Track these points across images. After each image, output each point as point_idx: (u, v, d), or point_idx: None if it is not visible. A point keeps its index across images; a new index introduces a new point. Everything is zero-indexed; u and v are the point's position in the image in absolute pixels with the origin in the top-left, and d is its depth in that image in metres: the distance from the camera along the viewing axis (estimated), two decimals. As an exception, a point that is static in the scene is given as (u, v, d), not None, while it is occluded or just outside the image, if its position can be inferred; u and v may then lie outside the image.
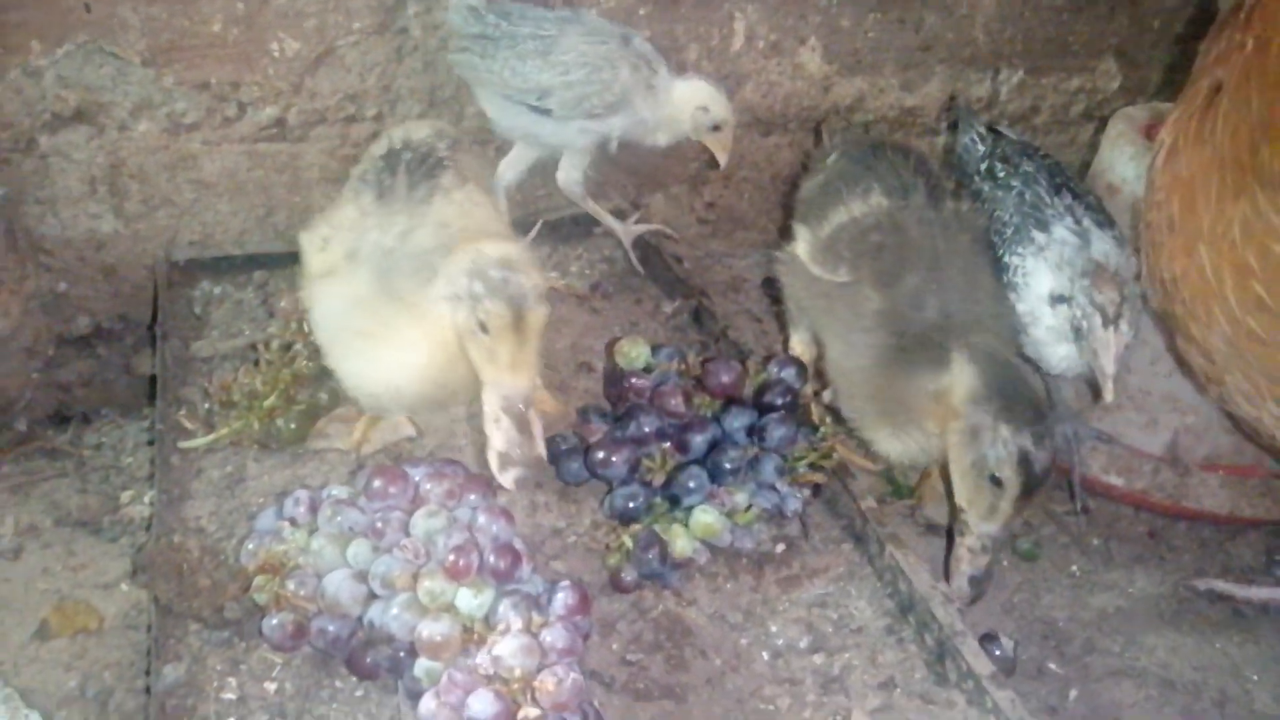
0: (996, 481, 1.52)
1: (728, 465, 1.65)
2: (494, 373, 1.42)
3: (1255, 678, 1.75)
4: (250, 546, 1.49)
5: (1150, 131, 2.00)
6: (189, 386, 1.93)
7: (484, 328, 1.39)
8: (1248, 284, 1.43)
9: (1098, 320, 1.67)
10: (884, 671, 1.52)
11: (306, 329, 1.91)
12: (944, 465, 1.64)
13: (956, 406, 1.57)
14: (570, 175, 2.21)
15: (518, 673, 1.29)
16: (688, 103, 2.10)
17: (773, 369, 1.76)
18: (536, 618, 1.35)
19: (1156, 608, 1.87)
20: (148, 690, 1.44)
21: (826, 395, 1.79)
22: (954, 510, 1.62)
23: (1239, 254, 1.42)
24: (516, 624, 1.33)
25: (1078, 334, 1.70)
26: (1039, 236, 1.76)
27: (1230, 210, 1.42)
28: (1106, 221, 1.79)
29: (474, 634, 1.35)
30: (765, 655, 1.54)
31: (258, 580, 1.45)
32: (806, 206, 1.90)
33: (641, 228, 2.33)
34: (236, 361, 1.97)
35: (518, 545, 1.42)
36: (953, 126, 2.38)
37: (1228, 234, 1.43)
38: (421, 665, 1.35)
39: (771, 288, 2.41)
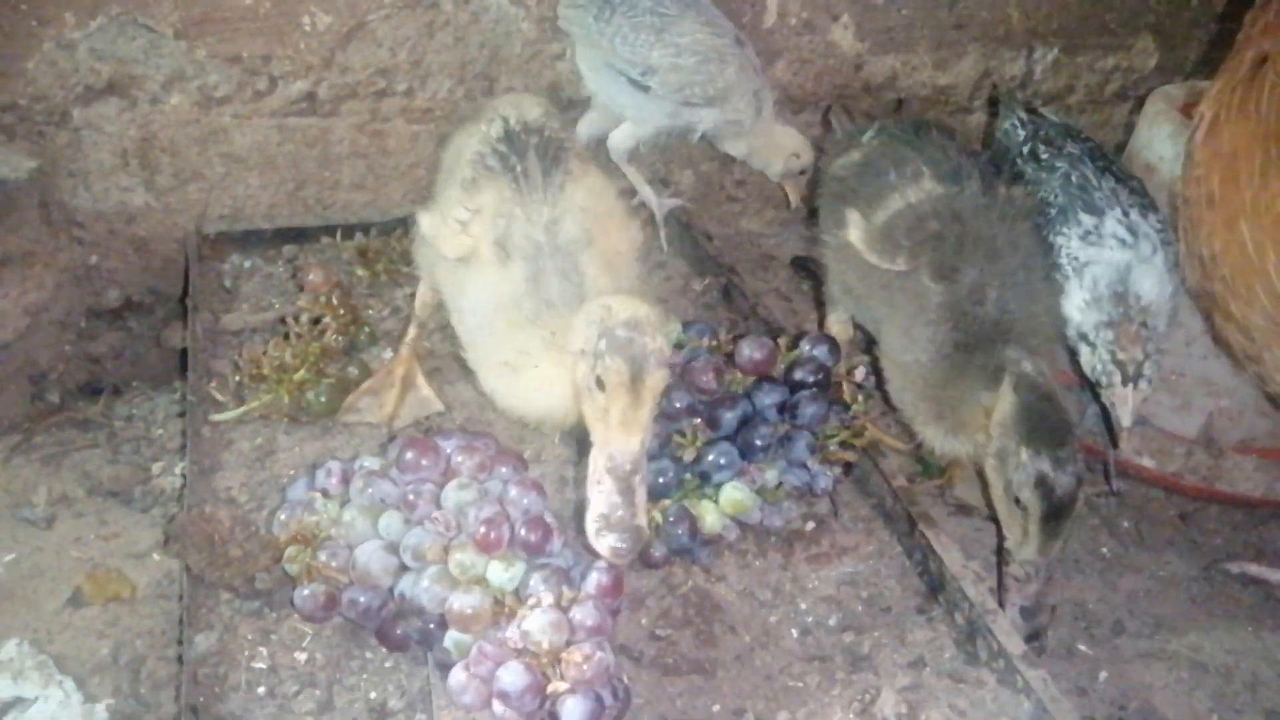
0: (1020, 504, 1.52)
1: (758, 442, 1.64)
2: (604, 431, 1.36)
3: (1288, 662, 1.74)
4: (282, 517, 1.50)
5: (1189, 110, 1.97)
6: (219, 359, 1.94)
7: (600, 384, 1.34)
8: None
9: (1118, 377, 1.66)
10: (913, 650, 1.52)
11: (336, 302, 1.92)
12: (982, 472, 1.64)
13: (992, 428, 1.57)
14: (624, 143, 2.21)
15: (546, 647, 1.29)
16: (784, 148, 2.26)
17: (805, 346, 1.75)
18: (567, 592, 1.35)
19: (1188, 591, 1.85)
20: (179, 659, 1.45)
21: (859, 373, 1.78)
22: (1000, 538, 1.62)
23: None
24: (547, 598, 1.33)
25: (1097, 383, 1.69)
26: (1086, 219, 1.74)
27: (1275, 184, 1.39)
28: (1150, 206, 1.77)
29: (504, 607, 1.35)
30: (794, 632, 1.53)
31: (289, 551, 1.46)
32: (852, 190, 1.86)
33: (674, 202, 2.33)
34: (266, 335, 1.98)
35: (549, 519, 1.42)
36: (992, 111, 2.37)
37: (1271, 208, 1.40)
38: (451, 637, 1.36)
39: (801, 266, 2.40)
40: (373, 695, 1.40)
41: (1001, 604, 1.55)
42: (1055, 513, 1.50)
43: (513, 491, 1.45)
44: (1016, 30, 2.53)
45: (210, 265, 2.18)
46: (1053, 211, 1.78)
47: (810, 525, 1.70)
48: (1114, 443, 1.85)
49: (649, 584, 1.58)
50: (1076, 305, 1.71)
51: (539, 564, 1.39)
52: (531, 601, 1.33)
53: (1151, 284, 1.69)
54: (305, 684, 1.40)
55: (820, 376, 1.72)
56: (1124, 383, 1.66)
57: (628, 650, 1.47)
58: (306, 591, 1.43)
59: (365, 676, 1.42)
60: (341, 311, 1.92)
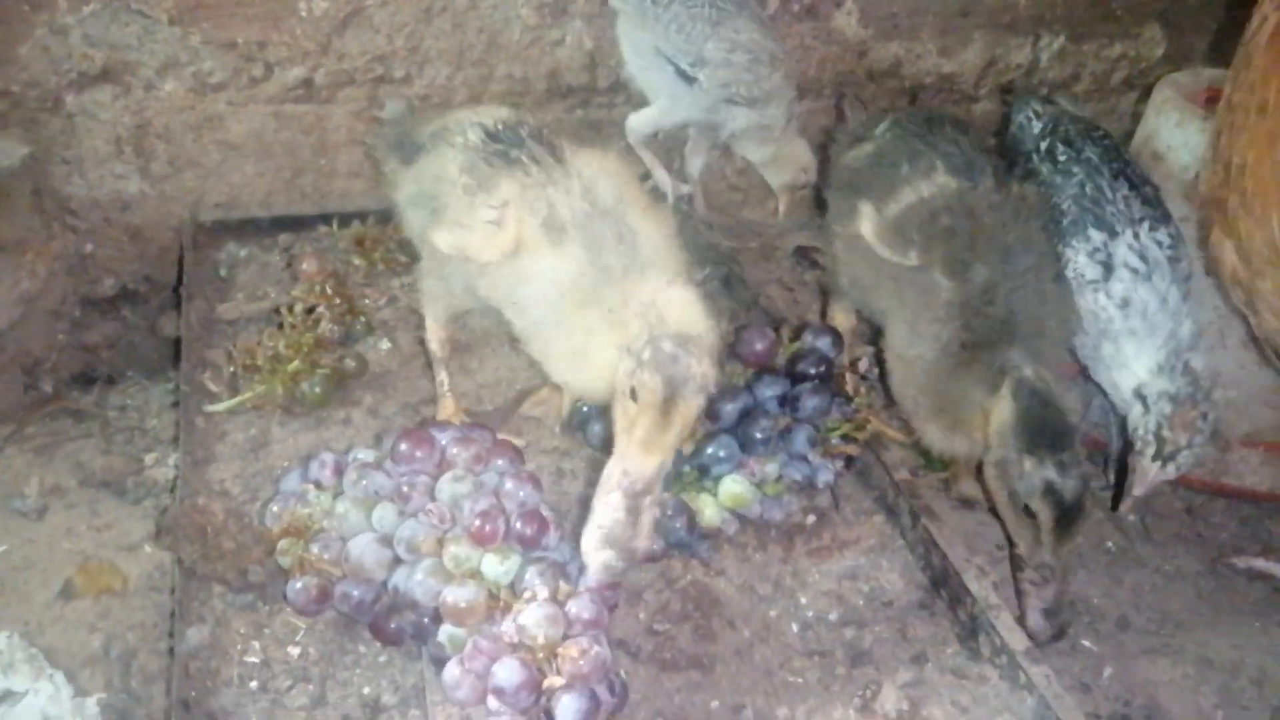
0: (1030, 513, 1.49)
1: (759, 435, 1.62)
2: (625, 444, 1.30)
3: (1295, 658, 1.71)
4: (274, 509, 1.48)
5: (1206, 97, 1.94)
6: (213, 349, 1.92)
7: (633, 395, 1.28)
8: None
9: (1152, 450, 1.64)
10: (915, 645, 1.50)
11: (330, 291, 1.89)
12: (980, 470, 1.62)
13: (991, 436, 1.54)
14: (644, 127, 2.20)
15: (542, 641, 1.27)
16: (797, 162, 2.26)
17: (807, 337, 1.73)
18: (563, 586, 1.33)
19: (1194, 586, 1.83)
20: (171, 652, 1.43)
21: (862, 365, 1.75)
22: (1010, 544, 1.60)
23: None
24: (543, 592, 1.31)
25: (1132, 440, 1.67)
26: (1096, 235, 1.72)
27: None
28: (1161, 218, 1.74)
29: (500, 601, 1.33)
30: (794, 627, 1.52)
31: (282, 544, 1.44)
32: (864, 181, 1.83)
33: (687, 188, 2.32)
34: (261, 324, 1.96)
35: (545, 512, 1.40)
36: (1005, 103, 2.34)
37: None
38: (446, 631, 1.34)
39: (805, 256, 2.37)
40: (366, 690, 1.38)
41: (1022, 612, 1.53)
42: (1066, 517, 1.47)
43: (508, 484, 1.43)
44: (1023, 17, 2.50)
45: (205, 254, 2.16)
46: (1064, 221, 1.75)
47: (811, 518, 1.68)
48: (1114, 505, 1.86)
49: (647, 578, 1.56)
50: (1146, 366, 1.68)
51: (535, 557, 1.37)
52: (527, 595, 1.32)
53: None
54: (298, 678, 1.39)
55: (822, 369, 1.70)
56: (1154, 458, 1.65)
57: (625, 645, 1.45)
58: (299, 584, 1.41)
59: (358, 671, 1.41)
60: (336, 301, 1.90)
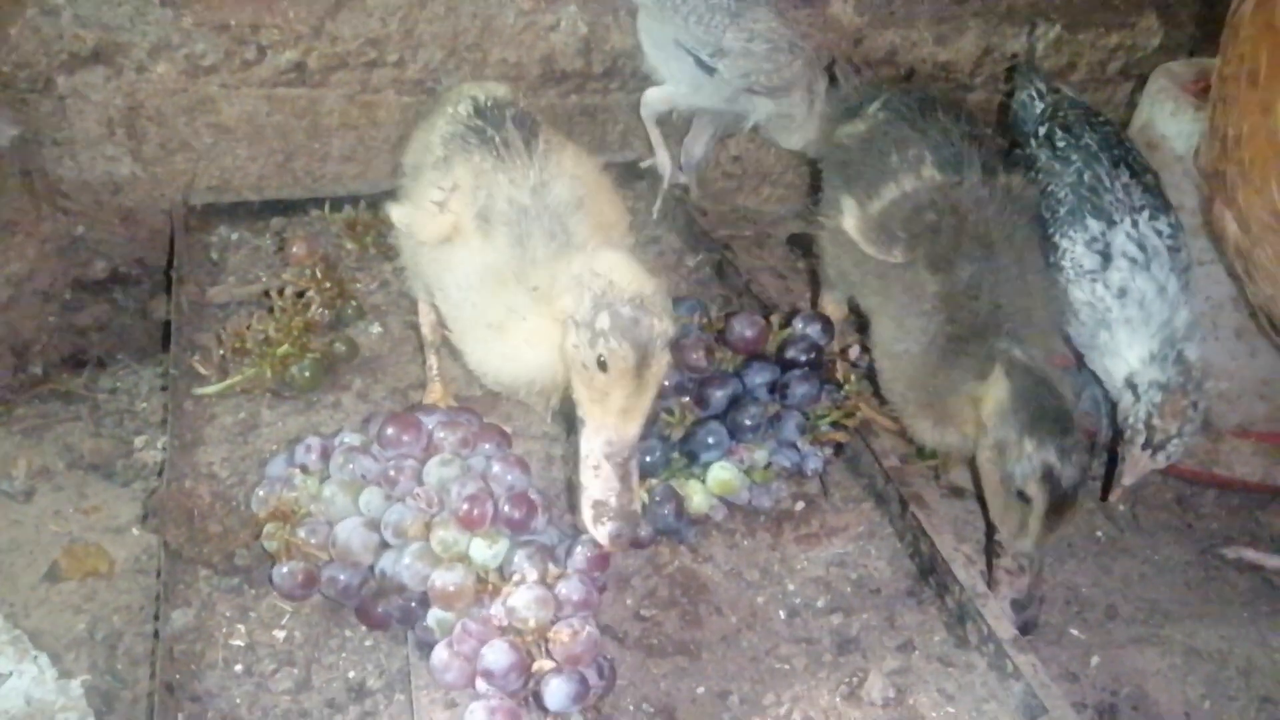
0: (1024, 497, 1.47)
1: (748, 422, 1.61)
2: (601, 416, 1.28)
3: (1283, 648, 1.71)
4: (261, 493, 1.47)
5: (1201, 87, 1.93)
6: (204, 332, 1.91)
7: (603, 366, 1.26)
8: None
9: (1142, 439, 1.64)
10: (903, 633, 1.49)
11: (320, 275, 1.89)
12: (974, 466, 1.61)
13: (984, 420, 1.52)
14: (659, 104, 2.19)
15: (532, 624, 1.26)
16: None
17: (797, 324, 1.72)
18: (552, 569, 1.32)
19: (1183, 576, 1.83)
20: (156, 635, 1.43)
21: (852, 352, 1.75)
22: (989, 530, 1.59)
23: None
24: (531, 575, 1.30)
25: (1122, 429, 1.67)
26: (1094, 225, 1.71)
27: None
28: (1162, 207, 1.74)
29: (488, 584, 1.33)
30: (782, 614, 1.51)
31: (268, 527, 1.44)
32: (853, 170, 1.82)
33: (682, 178, 2.31)
34: (252, 308, 1.95)
35: (533, 495, 1.39)
36: (1007, 91, 2.33)
37: None
38: (434, 615, 1.33)
39: (797, 244, 2.37)
40: (351, 674, 1.38)
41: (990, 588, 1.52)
42: (1059, 506, 1.45)
43: (496, 467, 1.42)
44: (1019, 6, 2.50)
45: (197, 237, 2.15)
46: (1061, 210, 1.74)
47: (800, 505, 1.68)
48: (1104, 494, 1.86)
49: (635, 564, 1.56)
50: (1139, 355, 1.67)
51: (523, 541, 1.36)
52: (516, 578, 1.31)
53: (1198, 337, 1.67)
54: (283, 662, 1.38)
55: (812, 356, 1.69)
56: (1144, 447, 1.64)
57: (611, 631, 1.45)
58: (285, 569, 1.41)
59: (344, 655, 1.40)
60: (326, 285, 1.90)
